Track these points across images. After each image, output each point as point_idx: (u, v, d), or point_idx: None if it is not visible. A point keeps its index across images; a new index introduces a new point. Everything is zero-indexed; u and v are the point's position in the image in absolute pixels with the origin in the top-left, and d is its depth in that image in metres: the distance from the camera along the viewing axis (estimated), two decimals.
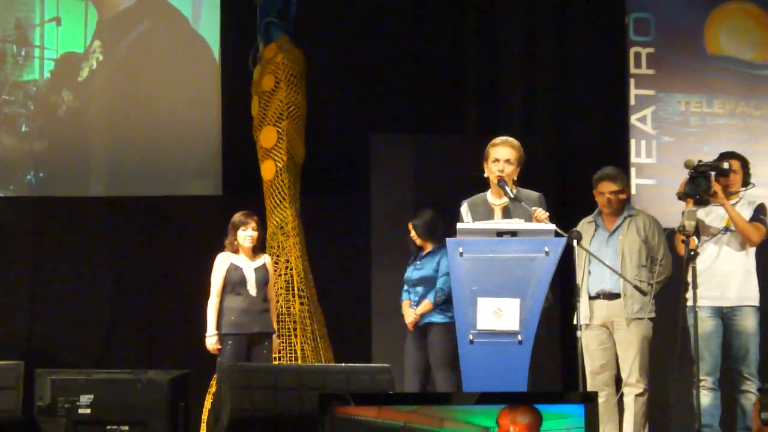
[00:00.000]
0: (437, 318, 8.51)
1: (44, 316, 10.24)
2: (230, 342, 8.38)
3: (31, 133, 10.68)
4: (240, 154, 10.27)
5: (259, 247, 8.66)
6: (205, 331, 8.40)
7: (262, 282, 8.54)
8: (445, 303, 8.43)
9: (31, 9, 10.71)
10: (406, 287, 8.69)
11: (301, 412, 5.88)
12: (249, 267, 8.54)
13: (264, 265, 8.61)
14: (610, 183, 7.94)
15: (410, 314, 8.54)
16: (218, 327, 8.40)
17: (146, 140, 10.68)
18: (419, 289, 8.59)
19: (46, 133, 10.67)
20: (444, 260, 8.45)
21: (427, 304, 8.50)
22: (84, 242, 10.34)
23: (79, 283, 10.28)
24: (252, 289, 8.47)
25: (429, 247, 8.66)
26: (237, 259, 8.54)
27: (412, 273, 8.66)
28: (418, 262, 8.66)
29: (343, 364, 8.18)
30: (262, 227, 8.70)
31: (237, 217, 8.59)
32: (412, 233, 8.69)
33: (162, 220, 10.21)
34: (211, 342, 8.38)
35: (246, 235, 8.53)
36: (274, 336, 8.63)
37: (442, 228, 8.52)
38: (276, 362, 8.86)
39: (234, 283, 8.46)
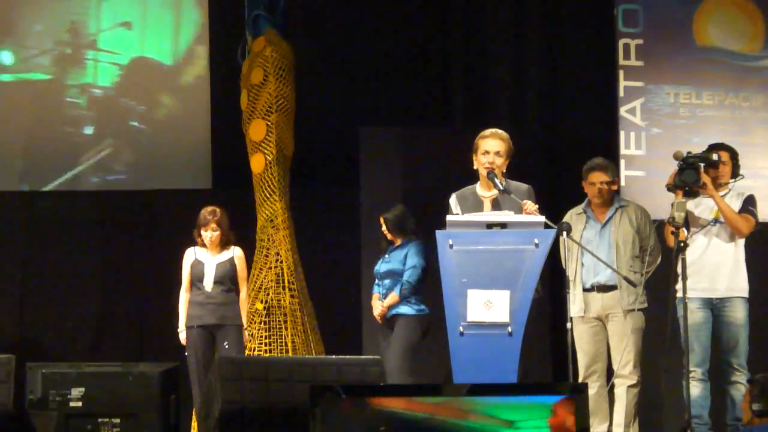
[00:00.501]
0: (404, 309, 8.61)
1: (34, 310, 10.23)
2: (191, 335, 8.57)
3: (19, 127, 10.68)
4: (229, 147, 10.26)
5: (224, 242, 8.77)
6: (192, 318, 8.63)
7: (225, 276, 8.69)
8: (413, 296, 8.56)
9: None
10: (376, 281, 8.76)
11: (293, 404, 5.88)
12: (211, 262, 8.71)
13: (230, 260, 8.74)
14: (601, 173, 7.94)
15: (378, 306, 8.62)
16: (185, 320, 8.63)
17: (136, 134, 10.68)
18: (387, 282, 8.69)
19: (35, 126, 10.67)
20: (411, 253, 8.64)
21: (394, 296, 8.60)
22: (74, 236, 10.34)
23: (70, 277, 10.27)
24: (208, 285, 8.62)
25: (398, 242, 8.72)
26: (201, 254, 8.74)
27: (380, 266, 8.76)
28: (387, 256, 8.74)
29: (334, 356, 8.20)
30: (225, 221, 8.79)
31: (201, 214, 8.74)
32: (383, 227, 8.74)
33: (152, 214, 10.21)
34: (182, 337, 8.60)
35: (206, 235, 8.71)
36: (244, 330, 8.74)
37: (412, 223, 8.72)
38: (265, 354, 8.91)
39: (195, 277, 8.68)
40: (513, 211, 6.69)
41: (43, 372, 6.01)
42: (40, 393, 5.96)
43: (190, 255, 8.74)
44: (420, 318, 8.59)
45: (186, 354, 8.52)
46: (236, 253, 8.80)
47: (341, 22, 10.50)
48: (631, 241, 7.83)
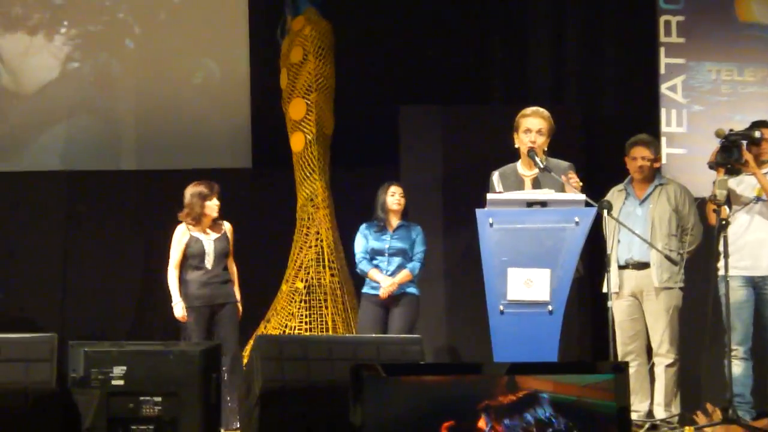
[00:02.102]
0: (412, 289, 8.65)
1: (77, 290, 10.30)
2: (193, 315, 8.42)
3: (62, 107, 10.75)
4: (269, 126, 10.28)
5: (218, 216, 8.62)
6: (170, 302, 8.46)
7: (222, 254, 8.54)
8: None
9: None
10: (370, 256, 8.70)
11: (333, 383, 5.89)
12: (208, 239, 8.53)
13: (224, 234, 8.59)
14: (644, 148, 7.92)
15: (389, 282, 8.56)
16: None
17: (176, 114, 10.72)
18: (397, 259, 8.65)
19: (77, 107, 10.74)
20: (421, 236, 8.69)
21: (407, 274, 8.59)
22: (115, 216, 10.40)
23: (111, 257, 10.34)
24: (209, 262, 8.48)
25: (395, 220, 8.71)
26: (196, 232, 8.53)
27: (389, 242, 8.69)
28: (393, 233, 8.70)
29: (374, 335, 8.22)
30: None
31: (200, 188, 8.53)
32: (401, 200, 8.71)
33: None
34: (179, 309, 8.40)
35: (213, 204, 8.51)
36: (238, 304, 8.61)
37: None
38: (305, 332, 8.93)
39: (194, 255, 8.48)
40: (554, 190, 6.67)
41: (85, 350, 6.02)
42: (83, 371, 5.97)
43: (184, 233, 8.50)
44: (420, 299, 8.68)
45: (186, 331, 8.40)
46: (227, 227, 8.62)
47: (380, 0, 10.48)
48: (667, 219, 7.80)
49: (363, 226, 8.80)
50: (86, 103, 10.75)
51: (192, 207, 8.50)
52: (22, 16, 10.73)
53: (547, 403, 4.87)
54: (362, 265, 8.70)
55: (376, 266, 8.65)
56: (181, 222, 8.55)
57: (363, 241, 8.74)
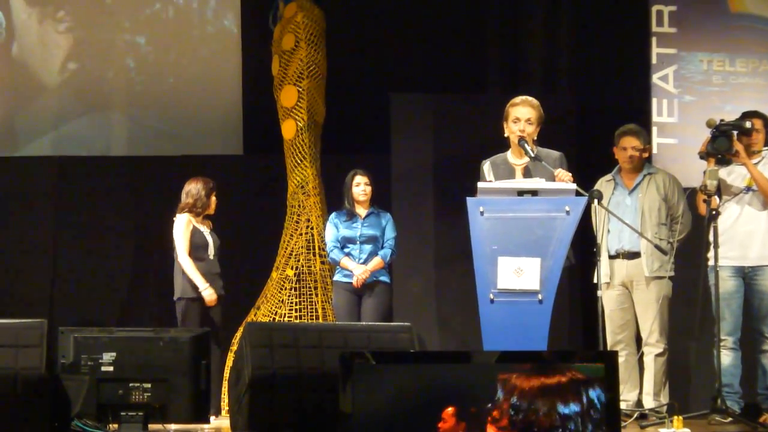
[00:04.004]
0: (384, 277, 8.74)
1: (66, 276, 10.28)
2: (195, 306, 8.50)
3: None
4: (260, 113, 10.26)
5: None
6: (185, 293, 8.52)
7: (218, 246, 8.69)
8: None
9: None
10: (341, 244, 8.74)
11: (323, 371, 5.90)
12: (208, 232, 8.70)
13: (213, 228, 8.77)
14: (633, 138, 7.94)
15: (361, 270, 8.60)
16: (183, 291, 8.52)
17: (167, 100, 10.69)
18: (368, 246, 8.71)
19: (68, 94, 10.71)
20: (390, 223, 8.77)
21: (380, 261, 8.66)
22: (105, 202, 10.37)
23: (101, 243, 10.32)
24: (211, 253, 8.61)
25: (363, 209, 8.76)
26: (197, 224, 8.66)
27: (361, 230, 8.74)
28: (364, 221, 8.74)
29: (364, 323, 8.23)
30: None
31: (205, 182, 8.70)
32: (366, 189, 8.75)
33: (183, 180, 10.19)
34: (210, 293, 8.46)
35: (214, 201, 8.72)
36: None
37: None
38: (295, 320, 8.94)
39: (197, 246, 8.60)
40: (544, 179, 6.68)
41: (74, 336, 6.03)
42: (72, 357, 5.98)
43: (188, 223, 8.60)
44: (392, 287, 8.78)
45: (188, 321, 8.44)
46: (210, 225, 8.82)
47: None
48: (657, 208, 7.82)
49: (333, 215, 8.85)
50: (77, 90, 10.70)
51: (199, 200, 8.64)
52: None
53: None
54: (334, 254, 8.74)
55: (348, 254, 8.69)
56: (177, 214, 8.66)
57: (333, 230, 8.78)
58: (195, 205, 8.64)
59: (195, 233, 8.61)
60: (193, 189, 8.67)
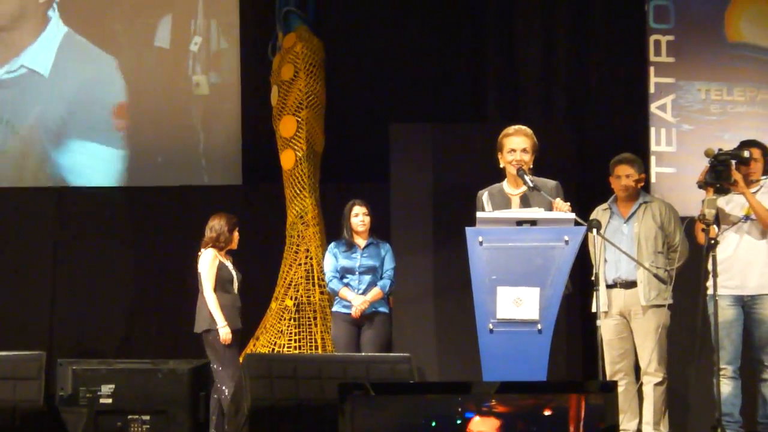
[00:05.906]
0: (383, 308, 8.71)
1: (65, 307, 10.28)
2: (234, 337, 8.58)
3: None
4: (260, 143, 10.30)
5: None
6: (214, 324, 8.54)
7: (240, 281, 8.79)
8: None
9: None
10: (340, 275, 8.70)
11: (322, 401, 5.89)
12: (231, 266, 8.78)
13: (235, 265, 8.84)
14: (628, 167, 7.94)
15: (360, 300, 8.58)
16: (211, 323, 8.55)
17: (166, 130, 10.71)
18: (368, 277, 8.68)
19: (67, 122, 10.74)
20: (390, 254, 8.76)
21: (379, 292, 8.64)
22: (104, 232, 10.38)
23: (101, 274, 10.32)
24: (236, 288, 8.72)
25: (362, 239, 8.74)
26: (222, 259, 8.74)
27: (360, 260, 8.71)
28: (363, 252, 8.73)
29: (363, 354, 8.22)
30: None
31: (229, 218, 8.81)
32: (366, 218, 8.74)
33: (182, 210, 10.23)
34: (226, 332, 8.49)
35: (237, 236, 8.82)
36: None
37: None
38: (294, 350, 8.94)
39: (224, 280, 8.68)
40: (542, 208, 6.68)
41: (73, 368, 6.04)
42: (71, 389, 5.99)
43: (215, 257, 8.68)
44: (391, 317, 8.74)
45: (230, 356, 8.48)
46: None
47: (372, 18, 10.50)
48: (653, 236, 7.81)
49: (332, 245, 8.83)
50: (76, 120, 10.73)
51: (222, 235, 8.73)
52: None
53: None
54: (332, 285, 8.72)
55: (347, 285, 8.67)
56: (202, 249, 8.75)
57: (332, 260, 8.75)
58: (218, 239, 8.72)
59: (221, 267, 8.69)
60: (216, 224, 8.76)
